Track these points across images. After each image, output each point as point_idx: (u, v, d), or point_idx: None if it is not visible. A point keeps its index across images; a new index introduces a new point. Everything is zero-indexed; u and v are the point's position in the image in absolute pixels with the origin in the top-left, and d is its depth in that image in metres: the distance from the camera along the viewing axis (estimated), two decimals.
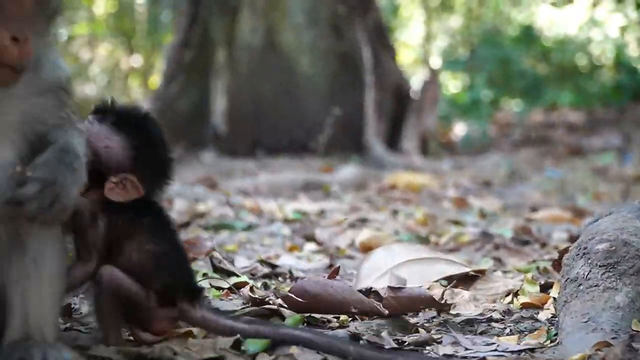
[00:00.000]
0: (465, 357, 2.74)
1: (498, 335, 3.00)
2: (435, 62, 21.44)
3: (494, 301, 3.48)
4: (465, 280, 3.65)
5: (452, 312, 3.27)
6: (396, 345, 2.77)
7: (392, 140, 13.59)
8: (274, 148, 13.10)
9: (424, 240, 5.36)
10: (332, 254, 4.96)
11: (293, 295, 3.15)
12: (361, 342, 2.76)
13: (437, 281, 3.62)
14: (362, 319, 3.10)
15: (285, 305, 3.16)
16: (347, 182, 9.60)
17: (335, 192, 8.91)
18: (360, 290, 3.21)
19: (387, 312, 3.07)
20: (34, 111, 2.53)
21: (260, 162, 12.39)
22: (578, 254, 3.03)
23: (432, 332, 3.02)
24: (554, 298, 3.23)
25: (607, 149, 14.27)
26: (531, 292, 3.49)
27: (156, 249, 2.71)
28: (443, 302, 3.30)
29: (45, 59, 2.54)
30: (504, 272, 4.20)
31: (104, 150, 2.67)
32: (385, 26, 15.52)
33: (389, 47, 14.64)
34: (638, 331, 2.74)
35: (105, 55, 25.02)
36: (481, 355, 2.73)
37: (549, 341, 2.86)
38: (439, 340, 2.89)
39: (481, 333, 3.05)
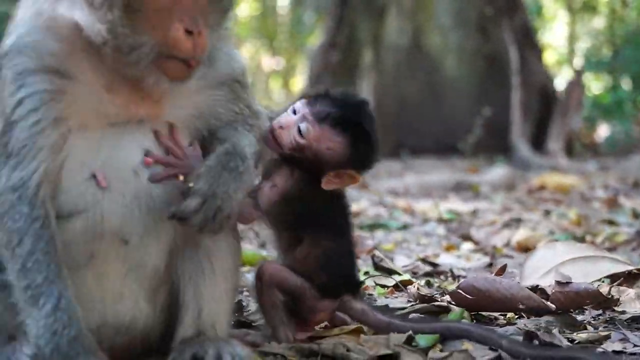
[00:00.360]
0: (634, 354, 2.76)
1: None
2: (579, 62, 21.13)
3: None
4: (629, 278, 3.67)
5: (617, 309, 3.30)
6: (569, 344, 2.79)
7: (537, 141, 13.47)
8: (418, 149, 13.14)
9: (581, 240, 5.34)
10: (490, 253, 5.02)
11: (462, 292, 3.21)
12: (535, 341, 2.75)
13: (600, 279, 3.66)
14: (528, 317, 3.14)
15: (454, 303, 3.22)
16: (495, 183, 9.62)
17: (485, 192, 8.94)
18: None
19: (554, 307, 3.13)
20: (208, 105, 2.58)
21: (405, 163, 12.45)
22: None
23: (600, 329, 3.04)
24: None
25: None
26: None
27: (330, 245, 2.81)
28: (610, 297, 3.32)
29: (220, 52, 2.57)
30: None
31: (326, 152, 2.77)
32: (532, 26, 15.36)
33: (535, 48, 14.51)
34: None
35: (247, 57, 25.46)
36: None
37: None
38: (607, 337, 2.90)
39: None
